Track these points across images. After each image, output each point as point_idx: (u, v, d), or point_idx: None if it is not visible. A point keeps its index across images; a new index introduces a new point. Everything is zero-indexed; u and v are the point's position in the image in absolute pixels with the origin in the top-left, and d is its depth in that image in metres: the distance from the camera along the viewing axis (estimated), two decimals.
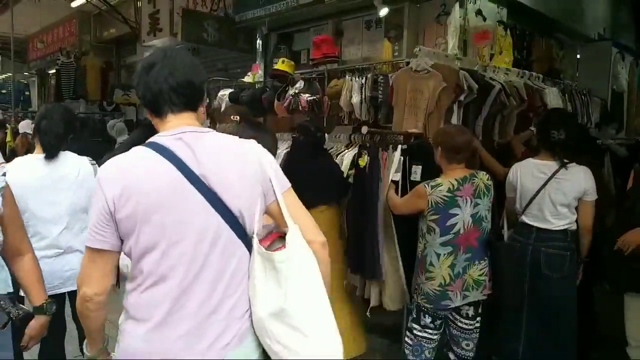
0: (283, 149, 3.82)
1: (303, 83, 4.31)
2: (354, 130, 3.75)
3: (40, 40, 9.87)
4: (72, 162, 2.57)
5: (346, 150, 3.78)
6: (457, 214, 2.56)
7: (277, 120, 4.78)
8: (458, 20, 3.97)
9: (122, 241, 1.34)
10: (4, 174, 1.74)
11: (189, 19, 5.56)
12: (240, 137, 2.17)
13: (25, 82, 11.64)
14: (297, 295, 1.32)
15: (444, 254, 2.59)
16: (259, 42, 6.07)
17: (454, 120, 3.09)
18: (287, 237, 1.35)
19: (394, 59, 4.26)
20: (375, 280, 3.15)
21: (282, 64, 4.66)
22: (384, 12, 4.51)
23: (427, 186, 2.60)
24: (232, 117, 2.94)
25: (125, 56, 8.84)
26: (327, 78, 4.28)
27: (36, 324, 1.85)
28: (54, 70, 9.22)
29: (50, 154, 2.50)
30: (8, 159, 2.46)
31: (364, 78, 3.73)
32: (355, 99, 3.76)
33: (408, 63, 3.43)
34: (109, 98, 7.98)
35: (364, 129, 3.29)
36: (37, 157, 2.51)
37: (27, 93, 11.31)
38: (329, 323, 1.38)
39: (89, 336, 1.48)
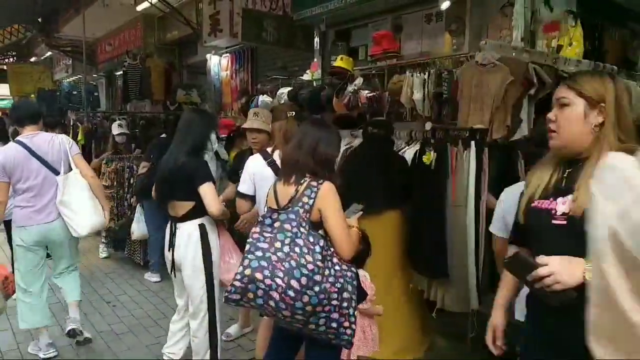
0: (343, 144, 3.83)
1: (362, 80, 4.29)
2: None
3: (108, 43, 10.36)
4: None
5: (407, 147, 3.74)
6: None
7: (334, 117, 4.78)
8: (522, 10, 3.83)
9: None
10: None
11: (248, 18, 5.67)
12: (305, 136, 2.22)
13: (94, 83, 12.25)
14: None
15: None
16: (316, 39, 6.10)
17: (524, 115, 2.98)
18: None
19: (457, 53, 4.16)
20: (440, 279, 3.10)
21: (340, 61, 4.67)
22: (445, 5, 4.41)
23: None
24: (287, 113, 3.01)
25: (187, 57, 9.14)
26: (387, 74, 4.24)
27: None
28: (120, 72, 9.66)
29: None
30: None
31: (426, 74, 3.66)
32: (417, 95, 3.71)
33: (472, 56, 3.34)
34: (172, 98, 8.27)
35: (428, 125, 3.24)
36: None
37: (95, 94, 11.88)
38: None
39: None
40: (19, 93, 12.97)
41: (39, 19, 10.88)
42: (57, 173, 3.33)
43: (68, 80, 13.29)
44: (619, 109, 1.44)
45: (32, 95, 12.55)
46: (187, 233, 2.82)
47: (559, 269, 1.32)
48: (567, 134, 1.48)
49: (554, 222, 1.45)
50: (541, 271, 1.33)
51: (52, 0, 8.68)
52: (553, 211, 1.47)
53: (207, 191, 2.73)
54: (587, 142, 1.46)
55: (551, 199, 1.49)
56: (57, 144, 3.39)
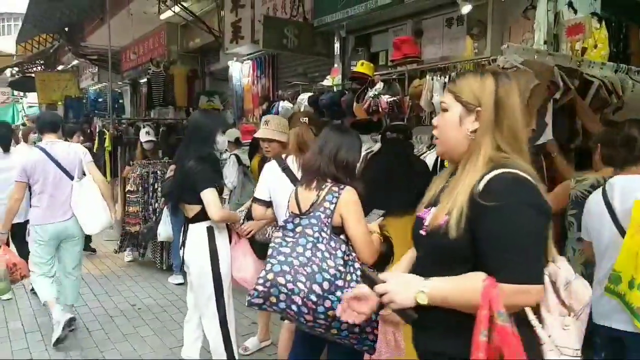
0: (363, 149, 3.84)
1: (383, 84, 4.30)
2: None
3: (133, 51, 10.55)
4: None
5: (428, 151, 3.73)
6: None
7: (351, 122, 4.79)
8: (544, 12, 3.79)
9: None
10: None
11: (269, 25, 5.71)
12: (326, 142, 2.25)
13: (119, 91, 12.47)
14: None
15: (579, 249, 2.52)
16: (337, 45, 6.11)
17: (549, 119, 2.94)
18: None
19: (478, 57, 4.13)
20: None
21: (361, 66, 4.68)
22: (466, 8, 4.38)
23: (572, 180, 2.56)
24: (300, 119, 3.05)
25: (210, 64, 9.25)
26: (408, 78, 4.24)
27: None
28: (144, 80, 9.83)
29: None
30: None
31: (447, 77, 3.65)
32: (437, 98, 3.69)
33: (494, 60, 3.32)
34: (195, 104, 8.38)
35: None
36: None
37: (120, 101, 12.10)
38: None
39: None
40: (46, 101, 13.30)
41: (66, 29, 11.21)
42: (71, 178, 3.74)
43: (94, 87, 13.58)
44: (500, 113, 1.32)
45: (60, 103, 12.87)
46: (195, 234, 2.91)
47: (394, 289, 1.28)
48: (445, 140, 1.42)
49: (420, 231, 1.42)
50: (377, 289, 1.30)
51: (78, 10, 8.91)
52: (423, 220, 1.42)
53: (207, 197, 2.79)
54: (463, 149, 1.37)
55: (431, 207, 1.43)
56: (73, 152, 3.83)
